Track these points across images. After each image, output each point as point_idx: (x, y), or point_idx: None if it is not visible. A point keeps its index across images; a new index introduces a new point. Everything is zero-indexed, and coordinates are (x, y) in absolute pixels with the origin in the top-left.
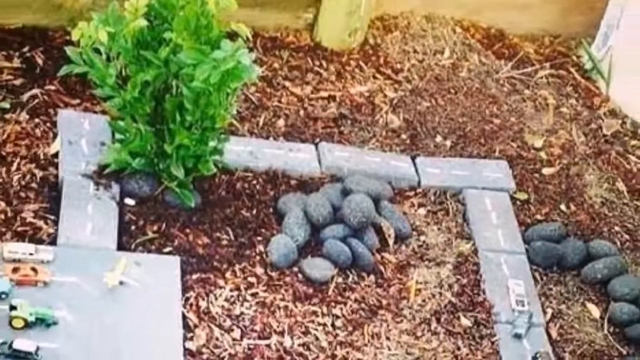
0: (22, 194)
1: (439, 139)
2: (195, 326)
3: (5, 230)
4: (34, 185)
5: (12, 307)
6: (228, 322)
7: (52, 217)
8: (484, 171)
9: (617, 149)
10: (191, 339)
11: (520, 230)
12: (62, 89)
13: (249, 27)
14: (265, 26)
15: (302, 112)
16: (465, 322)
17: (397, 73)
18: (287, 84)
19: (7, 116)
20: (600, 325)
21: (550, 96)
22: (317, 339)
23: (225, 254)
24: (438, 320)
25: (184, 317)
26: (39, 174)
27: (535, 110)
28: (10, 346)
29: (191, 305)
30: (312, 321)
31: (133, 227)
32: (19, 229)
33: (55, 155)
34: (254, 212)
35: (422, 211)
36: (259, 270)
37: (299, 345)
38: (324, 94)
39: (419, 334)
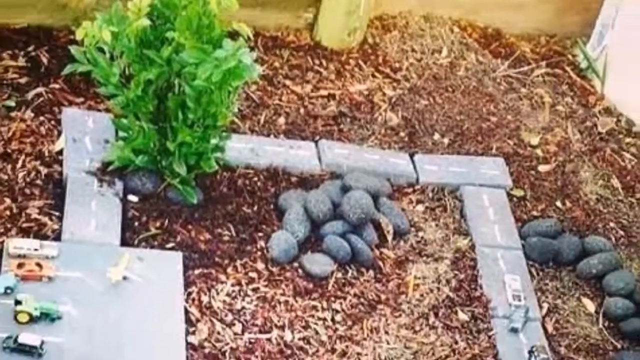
0: (27, 191)
1: (436, 136)
2: (198, 320)
3: (10, 227)
4: (38, 182)
5: (17, 302)
6: (229, 317)
7: (57, 214)
8: (481, 168)
9: (612, 147)
10: (193, 333)
11: (516, 226)
12: (67, 87)
13: (250, 27)
14: (266, 26)
15: (302, 110)
16: (463, 316)
17: (395, 72)
18: (288, 82)
19: (13, 114)
20: (595, 320)
21: (546, 94)
22: (317, 333)
23: (227, 249)
24: (436, 315)
25: (186, 312)
26: (44, 171)
27: (532, 109)
28: (15, 340)
29: (193, 300)
30: (312, 316)
31: (136, 223)
32: (24, 225)
33: (60, 152)
34: (255, 208)
35: (420, 207)
36: (260, 265)
37: (299, 339)
38: (324, 92)
39: (417, 328)
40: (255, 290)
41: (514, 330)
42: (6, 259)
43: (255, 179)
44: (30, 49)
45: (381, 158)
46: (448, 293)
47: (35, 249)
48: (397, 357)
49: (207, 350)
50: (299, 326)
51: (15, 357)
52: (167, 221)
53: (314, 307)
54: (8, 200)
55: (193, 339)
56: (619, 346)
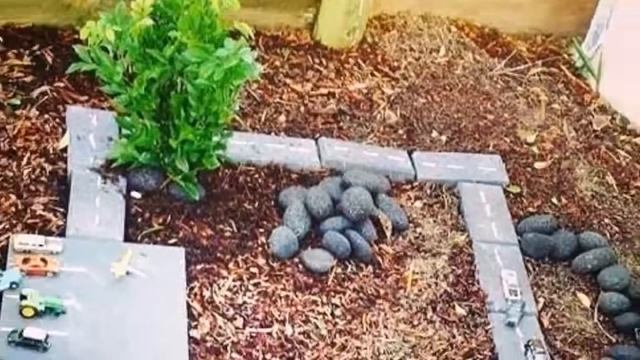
0: (32, 188)
1: (434, 134)
2: (200, 315)
3: (15, 223)
4: (43, 178)
5: (23, 297)
6: (231, 311)
7: (61, 210)
8: (478, 165)
9: (606, 144)
10: (195, 327)
11: (513, 222)
12: (71, 86)
13: (251, 26)
14: (267, 25)
15: (302, 108)
16: (460, 311)
17: (394, 70)
18: (288, 81)
19: (18, 112)
20: (590, 314)
21: (542, 93)
22: (317, 327)
23: (229, 245)
24: (434, 309)
25: (189, 306)
26: (49, 168)
27: (528, 107)
28: (20, 334)
29: (195, 294)
30: (312, 310)
31: (139, 220)
32: (29, 221)
33: (64, 149)
34: (256, 204)
35: (418, 204)
36: (261, 261)
37: (299, 333)
38: (324, 90)
39: (415, 322)
40: (256, 285)
41: (511, 325)
42: (11, 254)
43: (256, 175)
44: (35, 48)
45: (380, 155)
46: (446, 288)
47: (40, 245)
48: (396, 351)
49: (209, 344)
50: (299, 320)
51: (21, 351)
52: (169, 217)
53: (314, 302)
54: (13, 197)
55: (195, 333)
56: (613, 340)
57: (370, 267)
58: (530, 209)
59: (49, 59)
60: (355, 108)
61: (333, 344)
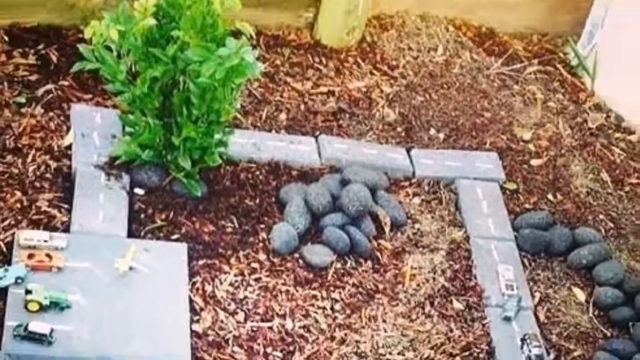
0: (37, 184)
1: (432, 131)
2: (202, 309)
3: (21, 219)
4: (48, 175)
5: (28, 292)
6: (232, 306)
7: (66, 206)
8: (475, 162)
9: (601, 142)
10: (197, 321)
11: (509, 219)
12: (75, 84)
13: (253, 26)
14: (268, 25)
15: (302, 107)
16: (458, 305)
17: (392, 69)
18: (289, 79)
19: (23, 110)
20: (585, 309)
21: (538, 91)
22: (317, 321)
23: (230, 241)
24: (432, 304)
25: (191, 301)
26: (53, 165)
27: (524, 105)
28: (25, 328)
29: (197, 289)
30: (312, 305)
31: (142, 216)
32: (34, 217)
33: (69, 147)
34: (257, 201)
35: (416, 200)
36: (262, 256)
37: (299, 327)
38: (324, 89)
39: (413, 316)
40: (257, 280)
41: (507, 319)
42: (17, 250)
43: (258, 172)
44: (40, 47)
45: (379, 152)
46: (443, 283)
47: (45, 241)
48: (394, 345)
49: (210, 338)
50: (300, 315)
51: (26, 345)
52: (172, 213)
53: (314, 297)
54: (19, 193)
55: (197, 327)
56: (608, 334)
57: (369, 263)
58: (527, 205)
59: (54, 58)
60: (354, 106)
61: (333, 338)
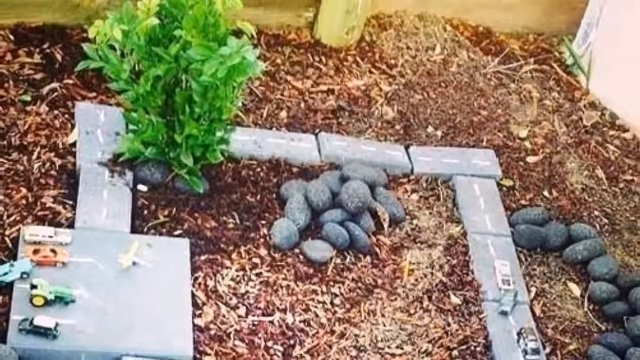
0: (42, 181)
1: (430, 129)
2: (204, 304)
3: (26, 215)
4: (53, 172)
5: (33, 286)
6: (234, 300)
7: (70, 202)
8: (473, 159)
9: (596, 139)
10: (200, 315)
11: (506, 215)
12: (80, 82)
13: (254, 25)
14: (269, 24)
15: (302, 105)
16: (455, 300)
17: (391, 68)
18: (289, 78)
19: (29, 108)
20: (580, 303)
21: (534, 89)
22: (317, 315)
23: (232, 236)
24: (430, 299)
25: (193, 295)
26: (58, 162)
27: (520, 103)
28: (31, 322)
29: (200, 284)
30: (312, 299)
31: (145, 212)
32: (39, 213)
33: (73, 144)
34: (258, 197)
35: (414, 197)
36: (263, 251)
37: (300, 321)
38: (324, 87)
39: (412, 311)
40: (258, 275)
41: (504, 313)
42: (22, 245)
43: (259, 169)
44: (45, 46)
45: (378, 150)
46: (441, 278)
47: (50, 236)
48: (393, 339)
49: (212, 332)
50: (300, 309)
51: (31, 338)
52: (174, 210)
53: (314, 291)
54: (24, 190)
55: (199, 321)
56: (603, 328)
57: (368, 258)
58: (523, 202)
59: (59, 57)
60: (353, 104)
61: (332, 332)
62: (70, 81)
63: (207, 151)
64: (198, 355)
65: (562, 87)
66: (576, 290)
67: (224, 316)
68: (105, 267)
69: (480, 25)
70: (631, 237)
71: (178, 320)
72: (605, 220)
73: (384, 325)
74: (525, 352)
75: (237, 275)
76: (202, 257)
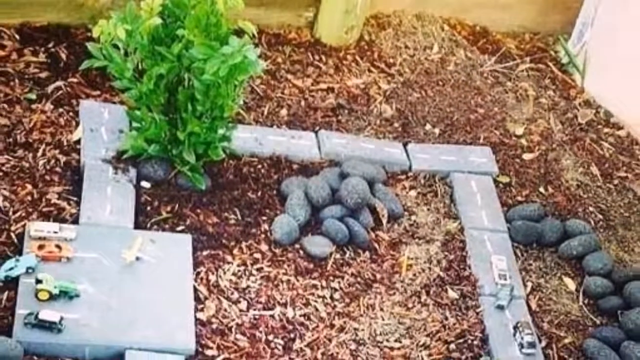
0: (47, 178)
1: (428, 127)
2: (206, 298)
3: (31, 211)
4: (58, 169)
5: (38, 281)
6: (235, 295)
7: (75, 199)
8: (470, 156)
9: (591, 136)
10: (202, 309)
11: (502, 211)
12: (84, 81)
13: (255, 25)
14: (270, 24)
15: (303, 103)
16: (453, 294)
17: (390, 67)
18: (290, 76)
19: (34, 106)
20: (575, 298)
21: (530, 88)
22: (317, 310)
23: (233, 232)
24: (427, 293)
25: (195, 290)
26: (63, 159)
27: (517, 101)
28: (36, 316)
29: (202, 279)
30: (312, 294)
31: (148, 208)
32: (44, 209)
33: (78, 142)
34: (259, 194)
35: (413, 193)
36: (264, 247)
37: (300, 315)
38: (323, 86)
39: (410, 305)
40: (259, 270)
41: (500, 307)
42: (28, 241)
43: (260, 166)
44: (50, 45)
45: (376, 147)
46: (439, 273)
47: (55, 232)
48: (392, 332)
49: (214, 326)
50: (300, 303)
51: (36, 332)
52: (177, 206)
53: (314, 286)
54: (29, 186)
55: (202, 315)
56: (597, 322)
57: (367, 253)
58: (519, 198)
59: (63, 56)
60: (353, 102)
61: (332, 326)
62: (75, 80)
63: (209, 148)
64: (200, 349)
65: (558, 86)
66: (571, 285)
67: (225, 310)
68: (109, 262)
69: (477, 24)
70: (625, 233)
71: (180, 314)
72: (600, 216)
73: (383, 319)
74: (521, 345)
75: (239, 270)
76: (204, 253)
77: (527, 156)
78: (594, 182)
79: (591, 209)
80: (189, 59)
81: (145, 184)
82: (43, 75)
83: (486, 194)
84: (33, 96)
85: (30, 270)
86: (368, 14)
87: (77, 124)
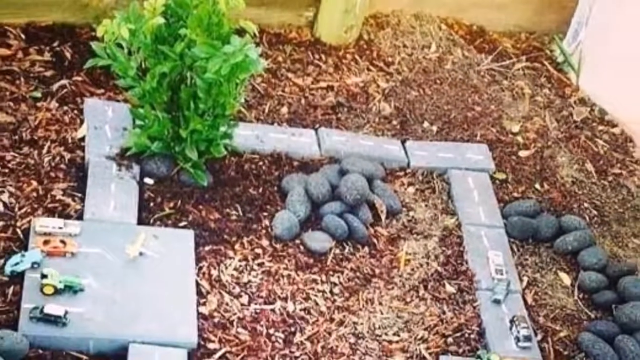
0: (52, 174)
1: (426, 124)
2: (208, 292)
3: (37, 207)
4: (62, 166)
5: (43, 276)
6: (237, 289)
7: (79, 195)
8: (467, 153)
9: (586, 134)
10: (204, 304)
11: (499, 207)
12: (88, 79)
13: (256, 24)
14: (270, 23)
15: (303, 101)
16: (450, 289)
17: (388, 65)
18: (290, 75)
19: (39, 104)
20: (570, 292)
21: (526, 86)
22: (316, 304)
23: (235, 227)
24: (425, 288)
25: (198, 285)
26: (67, 156)
27: (513, 99)
28: (41, 310)
29: (204, 273)
30: (313, 288)
31: (152, 204)
32: (50, 205)
33: (82, 139)
34: (260, 190)
35: (411, 189)
36: (265, 242)
37: (300, 309)
38: (323, 84)
39: (408, 299)
40: (260, 265)
41: (497, 302)
42: (33, 236)
43: (261, 163)
44: (55, 44)
45: (375, 144)
46: (436, 267)
47: (60, 227)
48: (390, 326)
49: (216, 320)
50: (300, 298)
51: (42, 326)
52: (180, 202)
53: (314, 281)
54: (35, 183)
55: (204, 310)
56: (592, 316)
57: (366, 248)
58: (515, 194)
59: (68, 55)
60: (352, 100)
61: (332, 320)
62: (79, 78)
63: (211, 145)
64: (202, 342)
65: (553, 84)
66: (566, 279)
67: (227, 304)
68: (113, 257)
69: (474, 24)
70: (619, 229)
71: (183, 308)
72: (595, 212)
73: (382, 313)
74: (517, 339)
75: (240, 265)
76: (206, 248)
77: (523, 153)
78: (588, 178)
79: (586, 205)
80: (192, 58)
81: (148, 181)
82: (48, 73)
83: (483, 190)
84: (38, 94)
85: (35, 265)
86: (367, 13)
87: (82, 121)
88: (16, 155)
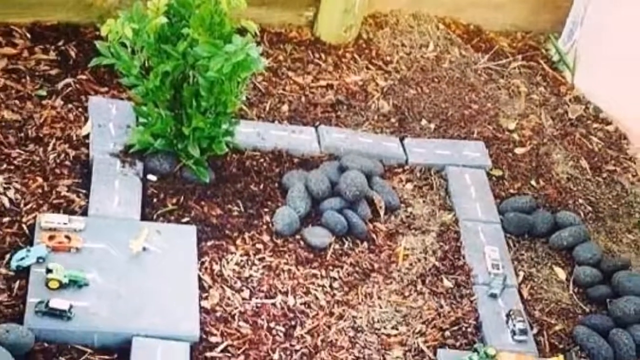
0: (57, 171)
1: (424, 122)
2: (210, 287)
3: (42, 203)
4: (67, 163)
5: (48, 270)
6: (238, 284)
7: (84, 191)
8: (464, 151)
9: (580, 131)
10: (206, 298)
11: (495, 203)
12: (93, 78)
13: (257, 24)
14: (271, 23)
15: (303, 99)
16: (447, 283)
17: (387, 64)
18: (291, 73)
19: (44, 102)
20: (566, 287)
21: (522, 84)
22: (316, 298)
23: (236, 223)
24: (423, 282)
25: (200, 279)
26: (72, 153)
27: (509, 97)
28: (46, 305)
29: (206, 268)
30: (313, 283)
31: (155, 200)
32: (55, 201)
33: (87, 136)
34: (261, 186)
35: (409, 186)
36: (266, 237)
37: (300, 303)
38: (323, 82)
39: (406, 294)
40: (261, 260)
41: (493, 296)
42: (38, 232)
43: (262, 160)
44: (60, 43)
45: (374, 141)
46: (434, 262)
47: (65, 223)
48: (389, 320)
49: (218, 314)
50: (301, 292)
51: (47, 320)
52: (182, 198)
53: (314, 275)
54: (40, 179)
55: (206, 304)
56: (587, 310)
57: (365, 244)
58: (511, 191)
59: (73, 54)
60: (351, 98)
61: (331, 314)
62: (84, 77)
63: (213, 143)
64: (204, 336)
65: (549, 82)
66: (562, 274)
67: (229, 299)
68: (117, 252)
69: (471, 23)
70: (613, 224)
71: (186, 302)
72: (589, 208)
73: (380, 307)
74: (513, 332)
75: (242, 260)
76: (209, 243)
77: (519, 150)
78: (583, 175)
79: (581, 201)
80: (194, 57)
81: (151, 177)
82: (53, 72)
83: (480, 186)
84: (44, 92)
85: (40, 260)
86: (366, 13)
87: (86, 119)
88: (22, 152)
